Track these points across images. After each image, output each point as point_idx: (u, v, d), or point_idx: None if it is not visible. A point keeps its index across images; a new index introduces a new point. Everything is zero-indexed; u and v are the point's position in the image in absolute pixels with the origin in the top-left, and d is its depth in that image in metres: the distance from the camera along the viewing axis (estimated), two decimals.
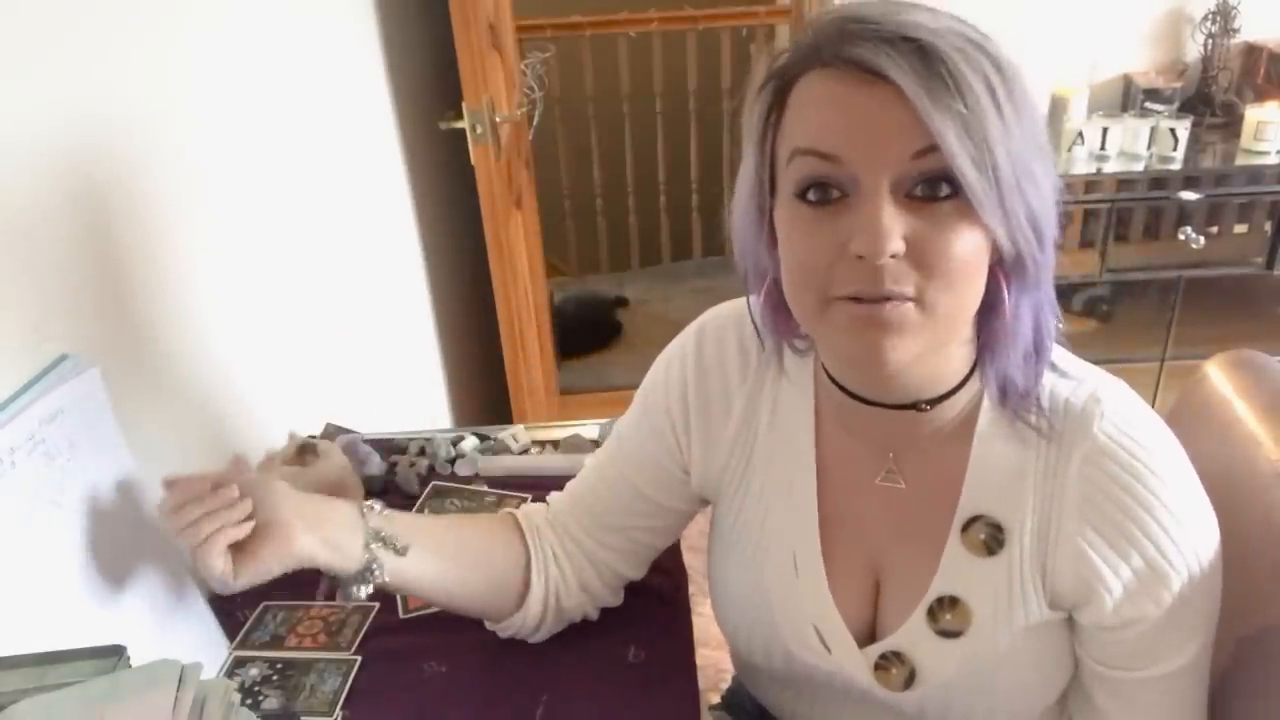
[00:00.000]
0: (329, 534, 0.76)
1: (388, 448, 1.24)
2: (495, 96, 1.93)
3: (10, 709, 0.54)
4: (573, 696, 0.86)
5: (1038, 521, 0.71)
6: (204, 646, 0.90)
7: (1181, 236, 2.11)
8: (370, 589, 0.78)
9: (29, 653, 0.61)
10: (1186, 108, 2.29)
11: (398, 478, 1.19)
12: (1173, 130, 2.07)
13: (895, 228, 0.59)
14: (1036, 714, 0.80)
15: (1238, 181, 2.08)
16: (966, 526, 0.73)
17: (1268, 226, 2.11)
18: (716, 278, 3.50)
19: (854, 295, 0.61)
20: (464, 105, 1.88)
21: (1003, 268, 0.65)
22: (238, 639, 0.95)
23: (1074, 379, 0.71)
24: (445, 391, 2.21)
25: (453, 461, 1.21)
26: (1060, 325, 0.70)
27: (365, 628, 0.95)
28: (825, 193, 0.62)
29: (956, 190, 0.60)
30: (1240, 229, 2.13)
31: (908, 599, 0.76)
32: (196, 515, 0.71)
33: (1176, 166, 2.08)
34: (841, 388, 0.73)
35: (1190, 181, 2.07)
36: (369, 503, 0.82)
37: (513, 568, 0.87)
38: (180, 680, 0.56)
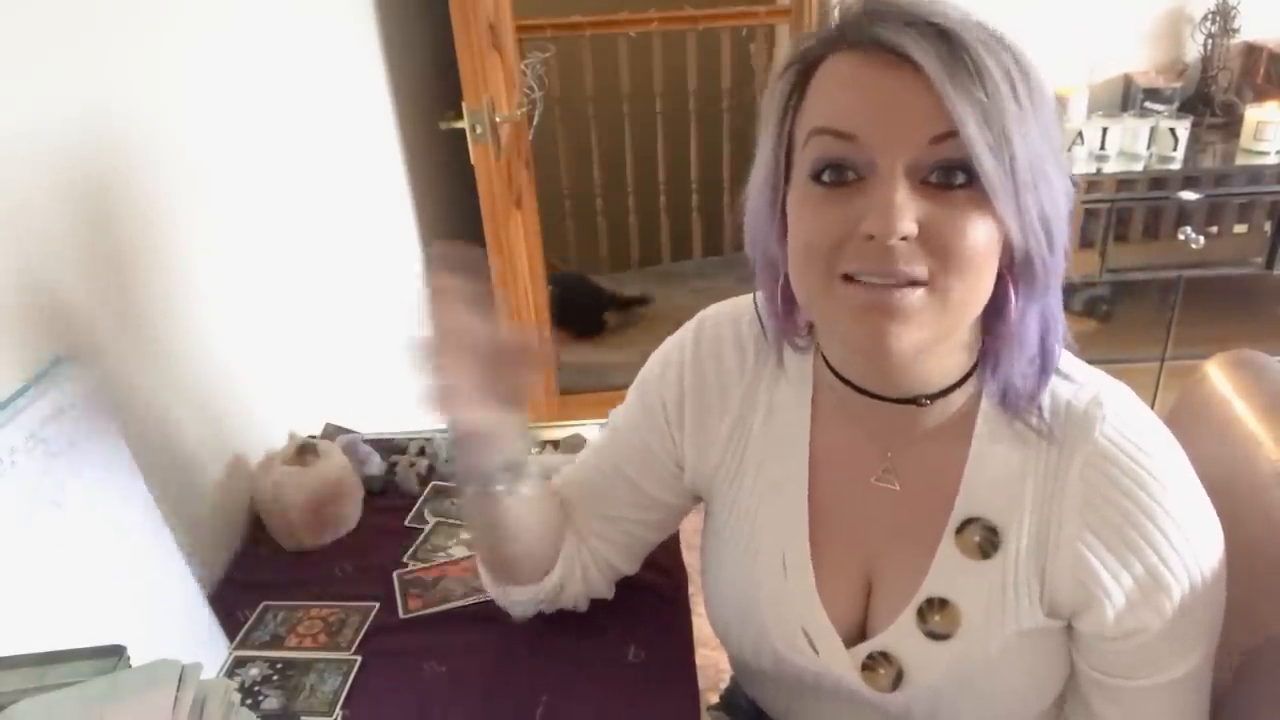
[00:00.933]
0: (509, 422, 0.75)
1: (388, 448, 1.24)
2: (495, 96, 1.93)
3: (10, 709, 0.54)
4: (573, 696, 0.86)
5: (1036, 524, 0.70)
6: (204, 646, 0.90)
7: (1181, 236, 2.11)
8: (502, 487, 0.78)
9: (29, 653, 0.60)
10: (1186, 108, 2.29)
11: (398, 478, 1.19)
12: (1172, 130, 2.06)
13: (908, 209, 0.59)
14: (1030, 718, 0.79)
15: (1237, 181, 2.07)
16: (961, 528, 0.73)
17: (1267, 226, 2.11)
18: (716, 278, 3.51)
19: (861, 275, 0.61)
20: (464, 105, 1.88)
21: (1011, 272, 0.64)
22: (238, 639, 0.95)
23: (1076, 382, 0.71)
24: None
25: (453, 461, 1.21)
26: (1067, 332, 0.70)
27: (365, 628, 0.95)
28: (840, 174, 0.62)
29: (972, 180, 0.60)
30: (1240, 229, 2.13)
31: (898, 599, 0.75)
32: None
33: (1176, 166, 2.08)
34: (843, 379, 0.73)
35: (1190, 181, 2.07)
36: None
37: (557, 543, 0.87)
38: (180, 680, 0.56)
